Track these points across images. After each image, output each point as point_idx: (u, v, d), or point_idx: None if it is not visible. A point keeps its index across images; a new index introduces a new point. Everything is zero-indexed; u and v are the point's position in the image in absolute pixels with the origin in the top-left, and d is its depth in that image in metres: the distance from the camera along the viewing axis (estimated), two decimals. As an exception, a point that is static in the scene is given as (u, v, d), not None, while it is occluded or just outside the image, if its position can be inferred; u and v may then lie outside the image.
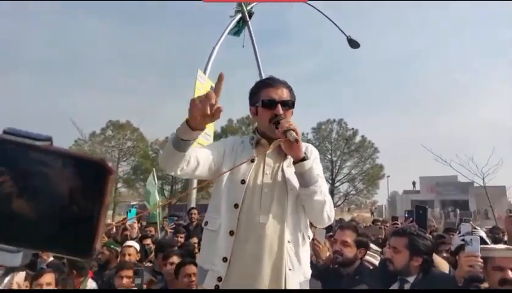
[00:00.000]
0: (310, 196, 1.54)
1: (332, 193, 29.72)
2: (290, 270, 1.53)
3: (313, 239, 2.82)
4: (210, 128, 9.77)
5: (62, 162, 0.42)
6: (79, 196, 0.42)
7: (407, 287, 2.08)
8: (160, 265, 3.36)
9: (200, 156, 1.55)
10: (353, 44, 13.45)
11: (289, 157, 1.61)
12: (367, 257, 2.50)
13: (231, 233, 1.51)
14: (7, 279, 0.48)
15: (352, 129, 31.05)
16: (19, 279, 2.59)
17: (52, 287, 2.82)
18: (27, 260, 0.47)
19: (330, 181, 30.01)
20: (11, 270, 0.48)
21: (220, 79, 1.32)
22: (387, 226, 6.78)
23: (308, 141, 30.78)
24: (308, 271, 1.64)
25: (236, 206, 1.54)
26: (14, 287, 2.49)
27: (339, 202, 30.88)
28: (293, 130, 1.48)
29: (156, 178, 7.27)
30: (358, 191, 31.56)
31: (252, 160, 1.61)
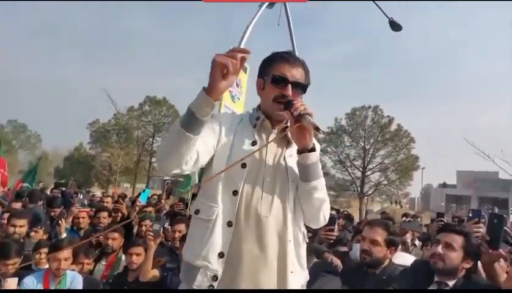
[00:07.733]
0: (310, 192, 1.40)
1: (362, 182, 29.04)
2: (292, 272, 1.37)
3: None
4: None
5: None
6: None
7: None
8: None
9: (197, 143, 1.30)
10: (395, 26, 12.64)
11: (293, 145, 1.43)
12: (397, 257, 2.25)
13: (229, 224, 1.31)
14: None
15: (388, 116, 29.87)
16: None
17: (69, 262, 2.81)
18: None
19: (361, 169, 29.27)
20: None
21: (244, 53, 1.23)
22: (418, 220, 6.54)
23: (341, 127, 30.13)
24: (307, 274, 1.49)
25: (235, 192, 1.34)
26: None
27: (369, 192, 30.13)
28: (309, 114, 1.28)
29: None
30: (390, 181, 30.61)
31: (253, 143, 1.41)
